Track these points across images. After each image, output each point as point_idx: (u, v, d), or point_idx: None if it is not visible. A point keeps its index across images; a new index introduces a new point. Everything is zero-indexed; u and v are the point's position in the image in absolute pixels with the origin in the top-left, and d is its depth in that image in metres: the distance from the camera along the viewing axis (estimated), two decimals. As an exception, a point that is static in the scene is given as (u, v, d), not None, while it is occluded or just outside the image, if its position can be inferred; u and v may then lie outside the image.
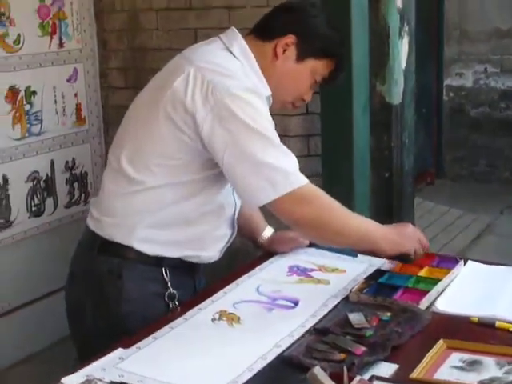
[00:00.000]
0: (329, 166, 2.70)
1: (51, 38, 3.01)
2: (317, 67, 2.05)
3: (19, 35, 2.86)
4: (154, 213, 1.98)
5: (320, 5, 2.20)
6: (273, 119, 2.77)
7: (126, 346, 1.81)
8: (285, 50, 2.01)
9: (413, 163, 3.14)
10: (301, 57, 2.03)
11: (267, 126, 1.90)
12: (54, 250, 2.85)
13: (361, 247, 2.11)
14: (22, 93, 2.91)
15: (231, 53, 1.97)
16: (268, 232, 2.38)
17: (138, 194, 1.96)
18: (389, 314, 1.91)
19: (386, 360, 1.70)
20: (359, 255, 2.35)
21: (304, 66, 2.04)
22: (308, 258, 2.35)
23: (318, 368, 1.52)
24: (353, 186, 2.64)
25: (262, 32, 2.04)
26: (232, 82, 1.87)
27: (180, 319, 1.93)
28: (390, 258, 2.12)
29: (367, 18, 2.73)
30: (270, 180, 1.86)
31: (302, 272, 2.25)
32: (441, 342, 1.73)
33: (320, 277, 2.21)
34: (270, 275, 2.23)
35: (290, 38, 2.00)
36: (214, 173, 1.97)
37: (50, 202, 3.09)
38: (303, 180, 1.91)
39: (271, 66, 2.01)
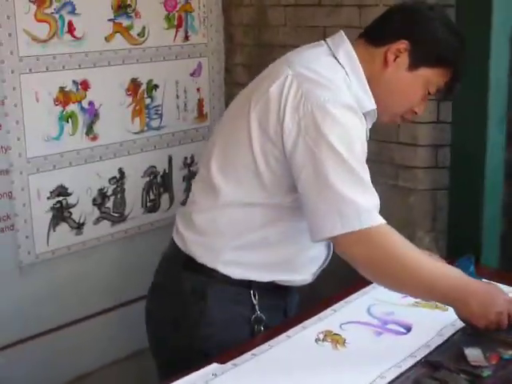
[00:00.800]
0: (457, 180, 2.49)
1: (176, 31, 2.95)
2: (431, 77, 1.84)
3: (144, 27, 2.82)
4: (241, 235, 1.83)
5: (440, 7, 2.00)
6: (398, 126, 2.66)
7: (222, 361, 1.72)
8: (396, 57, 1.81)
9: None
10: (414, 65, 1.82)
11: (357, 155, 1.70)
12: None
13: (440, 301, 1.85)
14: (144, 86, 2.87)
15: (336, 59, 1.80)
16: None
17: (226, 209, 1.82)
18: (511, 352, 1.71)
19: (504, 407, 1.52)
20: (483, 279, 2.15)
21: (417, 76, 1.83)
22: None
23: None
24: (482, 203, 2.42)
25: (373, 36, 1.85)
26: (329, 94, 1.69)
27: (282, 336, 1.82)
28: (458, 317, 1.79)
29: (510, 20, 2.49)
30: (341, 213, 1.66)
31: (419, 294, 2.07)
32: None
33: (437, 301, 2.03)
34: (384, 295, 2.07)
35: (403, 44, 1.80)
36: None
37: (165, 198, 3.04)
38: (377, 220, 1.69)
39: (380, 74, 1.82)
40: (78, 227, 2.76)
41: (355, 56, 1.81)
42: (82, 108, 2.70)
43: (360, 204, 1.66)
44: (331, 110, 1.67)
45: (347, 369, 1.69)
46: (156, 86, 2.92)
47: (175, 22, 2.94)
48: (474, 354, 1.70)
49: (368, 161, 2.63)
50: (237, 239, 1.83)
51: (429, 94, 1.87)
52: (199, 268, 1.86)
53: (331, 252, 1.97)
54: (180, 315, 1.88)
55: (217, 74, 3.17)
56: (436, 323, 1.89)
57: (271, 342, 1.80)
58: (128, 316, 2.83)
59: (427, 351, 1.75)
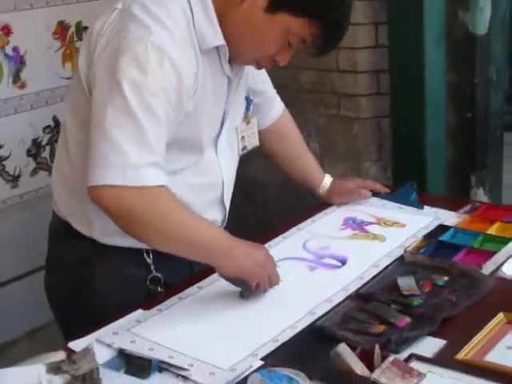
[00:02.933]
0: (397, 106, 2.40)
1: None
2: (291, 26, 1.55)
3: (67, -34, 2.68)
4: None
5: None
6: (337, 54, 2.57)
7: (148, 307, 1.65)
8: None
9: (502, 103, 2.79)
10: (271, 7, 1.54)
11: (150, 107, 1.48)
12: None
13: (193, 256, 1.64)
14: (73, 28, 2.72)
15: None
16: (327, 181, 2.14)
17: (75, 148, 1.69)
18: (446, 278, 1.67)
19: (433, 335, 1.46)
20: (426, 207, 2.09)
21: (273, 20, 1.55)
22: (368, 209, 2.12)
23: (344, 345, 1.32)
24: (424, 128, 2.33)
25: None
26: (141, 31, 1.50)
27: (214, 276, 1.74)
28: (226, 279, 1.65)
29: None
30: (107, 162, 1.47)
31: (358, 226, 2.02)
32: (500, 315, 1.48)
33: (376, 232, 1.98)
34: (322, 229, 2.02)
35: None
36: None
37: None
38: (146, 180, 1.49)
39: (235, 9, 1.57)
40: (13, 180, 2.66)
41: None
42: (6, 55, 2.55)
43: (130, 158, 1.47)
44: (135, 49, 1.49)
45: (276, 307, 1.63)
46: (86, 28, 2.78)
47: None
48: (406, 282, 1.65)
49: (308, 91, 2.56)
50: None
51: (290, 44, 1.60)
52: (77, 235, 1.73)
53: (227, 212, 1.85)
54: (71, 287, 1.76)
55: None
56: (372, 255, 1.84)
57: (201, 283, 1.73)
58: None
59: (361, 283, 1.70)
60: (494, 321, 1.46)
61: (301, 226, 2.04)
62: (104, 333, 1.55)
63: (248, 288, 1.64)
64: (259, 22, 1.56)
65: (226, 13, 1.59)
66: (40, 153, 2.72)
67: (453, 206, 2.08)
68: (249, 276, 1.61)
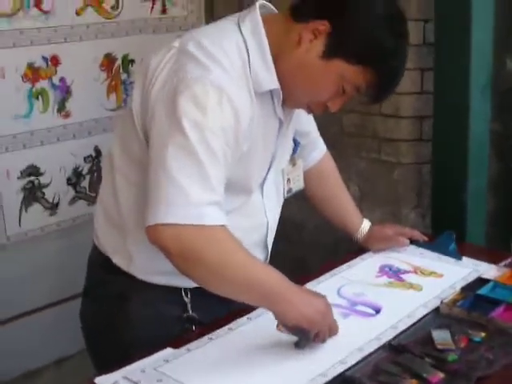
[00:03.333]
0: (439, 153, 2.37)
1: (153, 4, 2.83)
2: (346, 72, 1.54)
3: (117, 0, 2.72)
4: None
5: None
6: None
7: (177, 346, 1.63)
8: (315, 38, 1.53)
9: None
10: (328, 53, 1.53)
11: (211, 146, 1.46)
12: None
13: (251, 299, 1.57)
14: (119, 61, 2.77)
15: (240, 30, 1.57)
16: (366, 226, 2.12)
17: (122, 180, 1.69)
18: (483, 334, 1.62)
19: (467, 393, 1.42)
20: (465, 258, 2.05)
21: (329, 66, 1.54)
22: (405, 257, 2.08)
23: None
24: (466, 177, 2.30)
25: (297, 9, 1.57)
26: (199, 71, 1.48)
27: (243, 319, 1.73)
28: (285, 326, 1.58)
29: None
30: (168, 200, 1.44)
31: (394, 274, 1.99)
32: (539, 377, 1.42)
33: (413, 281, 1.94)
34: (357, 275, 1.98)
35: (323, 25, 1.51)
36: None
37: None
38: (208, 220, 1.45)
39: (290, 52, 1.55)
40: (52, 208, 2.68)
41: (261, 27, 1.57)
42: (53, 84, 2.61)
43: (192, 196, 1.44)
44: (194, 88, 1.47)
45: (308, 354, 1.60)
46: (132, 61, 2.82)
47: (151, -6, 2.84)
48: (441, 336, 1.61)
49: (350, 134, 2.55)
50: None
51: (344, 91, 1.57)
52: (117, 270, 1.72)
53: (269, 254, 1.83)
54: (106, 319, 1.75)
55: (198, 47, 3.07)
56: (408, 304, 1.80)
57: (232, 325, 1.71)
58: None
59: (394, 334, 1.66)
60: (532, 382, 1.41)
61: (336, 270, 2.01)
62: (132, 370, 1.53)
63: (306, 337, 1.57)
64: (314, 66, 1.54)
65: (282, 55, 1.57)
66: (80, 182, 2.75)
67: (493, 259, 2.03)
68: (309, 325, 1.54)
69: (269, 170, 1.74)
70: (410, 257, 2.08)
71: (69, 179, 2.72)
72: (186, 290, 1.73)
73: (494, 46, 2.41)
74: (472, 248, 2.25)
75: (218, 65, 1.51)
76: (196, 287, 1.66)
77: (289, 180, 1.85)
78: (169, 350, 1.62)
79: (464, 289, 1.84)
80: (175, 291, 1.72)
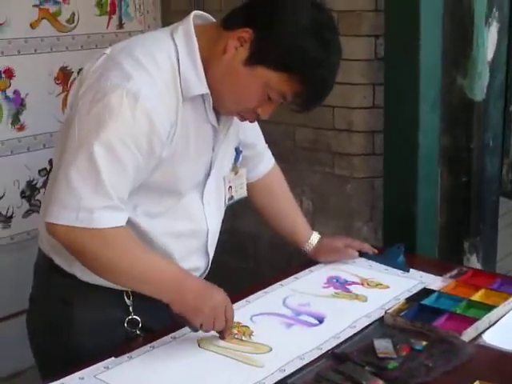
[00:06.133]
0: (390, 167, 2.40)
1: (110, 18, 2.86)
2: (270, 80, 1.56)
3: (73, 14, 2.73)
4: None
5: None
6: (332, 111, 2.58)
7: (120, 354, 1.63)
8: (241, 45, 1.56)
9: (499, 168, 2.79)
10: (251, 60, 1.55)
11: (114, 152, 1.51)
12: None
13: (148, 292, 1.62)
14: (75, 74, 2.77)
15: (173, 38, 1.59)
16: (314, 239, 2.12)
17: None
18: (424, 343, 1.63)
19: (404, 400, 1.42)
20: (412, 270, 2.07)
21: (252, 74, 1.56)
22: (353, 269, 2.10)
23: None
24: (416, 190, 2.33)
25: (227, 18, 1.62)
26: (119, 79, 1.51)
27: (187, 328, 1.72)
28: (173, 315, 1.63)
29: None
30: (62, 202, 1.52)
31: (341, 285, 2.00)
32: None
33: (359, 292, 1.95)
34: (304, 286, 1.99)
35: (247, 33, 1.54)
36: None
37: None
38: (101, 223, 1.52)
39: (218, 59, 1.58)
40: (5, 221, 2.66)
41: (192, 34, 1.59)
42: (7, 97, 2.60)
43: (84, 200, 1.50)
44: (110, 96, 1.50)
45: (246, 362, 1.59)
46: (88, 75, 2.82)
47: (108, 9, 2.84)
48: (383, 345, 1.62)
49: (304, 148, 2.56)
50: None
51: (270, 99, 1.60)
52: (60, 271, 1.72)
53: (210, 260, 1.84)
54: (51, 326, 1.75)
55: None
56: (351, 315, 1.80)
57: (176, 334, 1.71)
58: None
59: (336, 343, 1.66)
60: (468, 389, 1.42)
61: (284, 282, 2.02)
62: (71, 378, 1.52)
63: (192, 328, 1.64)
64: (239, 73, 1.57)
65: (211, 62, 1.60)
66: (34, 195, 2.74)
67: (440, 270, 2.05)
68: (191, 315, 1.61)
69: (208, 175, 1.75)
70: (359, 268, 2.09)
71: (23, 192, 2.71)
72: (127, 292, 1.73)
73: (444, 62, 2.45)
74: (421, 260, 2.27)
75: (143, 72, 1.54)
76: None
77: (230, 188, 1.86)
78: (112, 359, 1.61)
79: (409, 299, 1.85)
80: (117, 293, 1.72)
